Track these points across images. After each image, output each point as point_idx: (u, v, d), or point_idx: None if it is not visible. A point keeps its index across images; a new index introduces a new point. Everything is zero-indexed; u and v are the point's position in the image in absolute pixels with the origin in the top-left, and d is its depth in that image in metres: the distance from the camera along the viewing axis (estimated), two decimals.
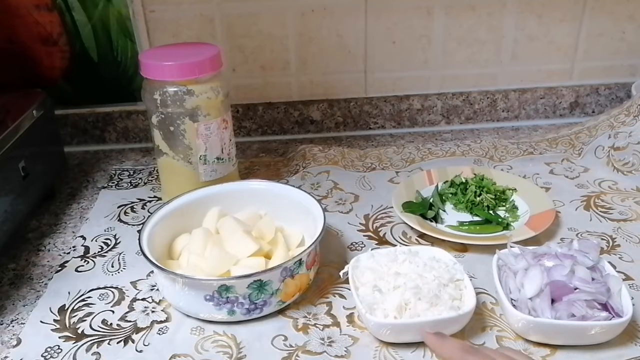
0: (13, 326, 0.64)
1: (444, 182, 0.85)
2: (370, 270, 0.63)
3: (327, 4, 0.98)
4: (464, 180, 0.84)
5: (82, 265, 0.73)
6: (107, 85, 1.01)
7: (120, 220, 0.82)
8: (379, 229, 0.78)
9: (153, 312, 0.65)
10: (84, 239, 0.78)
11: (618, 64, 1.06)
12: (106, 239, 0.78)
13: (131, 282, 0.70)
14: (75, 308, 0.66)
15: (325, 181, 0.90)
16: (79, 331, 0.63)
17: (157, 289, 0.68)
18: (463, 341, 0.52)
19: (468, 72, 1.05)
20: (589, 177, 0.88)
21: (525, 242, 0.70)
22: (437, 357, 0.56)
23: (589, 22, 1.02)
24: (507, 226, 0.77)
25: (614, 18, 1.02)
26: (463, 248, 0.73)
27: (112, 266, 0.73)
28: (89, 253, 0.75)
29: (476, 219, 0.79)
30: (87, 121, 1.04)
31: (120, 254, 0.75)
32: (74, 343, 0.61)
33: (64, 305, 0.66)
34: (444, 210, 0.81)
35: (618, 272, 0.64)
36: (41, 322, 0.64)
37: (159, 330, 0.63)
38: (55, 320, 0.64)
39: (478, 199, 0.80)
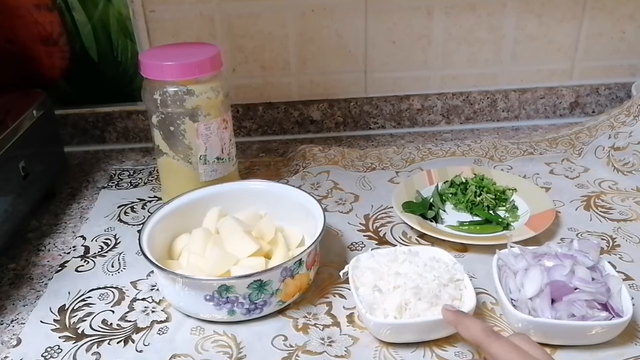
0: (13, 326, 0.64)
1: (444, 182, 0.85)
2: (370, 270, 0.63)
3: (327, 4, 0.98)
4: (464, 180, 0.84)
5: (82, 265, 0.73)
6: (107, 85, 1.01)
7: (120, 220, 0.82)
8: (379, 229, 0.78)
9: (153, 312, 0.65)
10: (84, 239, 0.78)
11: (618, 64, 1.06)
12: (106, 239, 0.78)
13: (131, 282, 0.70)
14: (75, 308, 0.66)
15: (325, 181, 0.90)
16: (79, 331, 0.63)
17: (157, 289, 0.68)
18: (484, 322, 0.50)
19: (468, 72, 1.05)
20: (589, 177, 0.88)
21: (525, 242, 0.70)
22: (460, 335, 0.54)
23: (589, 22, 1.02)
24: (507, 226, 0.77)
25: (614, 18, 1.02)
26: (463, 248, 0.73)
27: (112, 266, 0.73)
28: (89, 253, 0.75)
29: (476, 219, 0.79)
30: (87, 121, 1.04)
31: (120, 254, 0.75)
32: (74, 343, 0.61)
33: (64, 305, 0.66)
34: (444, 210, 0.81)
35: (618, 272, 0.64)
36: (41, 322, 0.64)
37: (159, 330, 0.63)
38: (55, 320, 0.64)
39: (478, 199, 0.80)
